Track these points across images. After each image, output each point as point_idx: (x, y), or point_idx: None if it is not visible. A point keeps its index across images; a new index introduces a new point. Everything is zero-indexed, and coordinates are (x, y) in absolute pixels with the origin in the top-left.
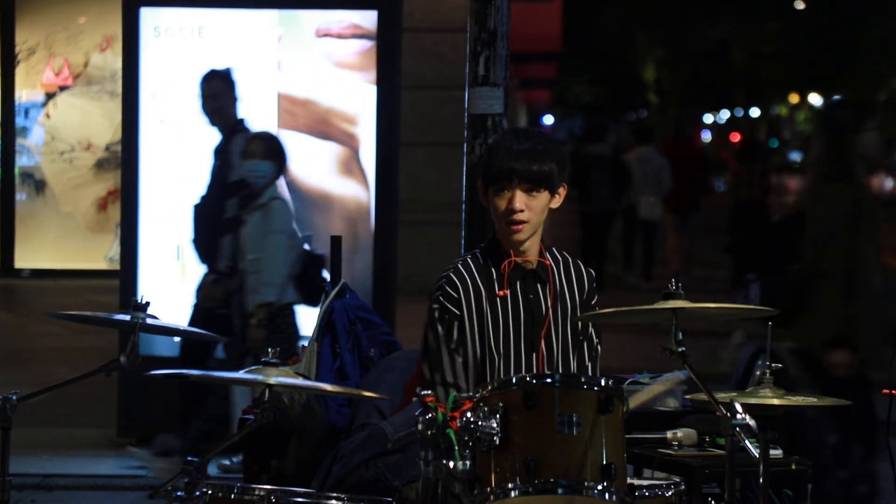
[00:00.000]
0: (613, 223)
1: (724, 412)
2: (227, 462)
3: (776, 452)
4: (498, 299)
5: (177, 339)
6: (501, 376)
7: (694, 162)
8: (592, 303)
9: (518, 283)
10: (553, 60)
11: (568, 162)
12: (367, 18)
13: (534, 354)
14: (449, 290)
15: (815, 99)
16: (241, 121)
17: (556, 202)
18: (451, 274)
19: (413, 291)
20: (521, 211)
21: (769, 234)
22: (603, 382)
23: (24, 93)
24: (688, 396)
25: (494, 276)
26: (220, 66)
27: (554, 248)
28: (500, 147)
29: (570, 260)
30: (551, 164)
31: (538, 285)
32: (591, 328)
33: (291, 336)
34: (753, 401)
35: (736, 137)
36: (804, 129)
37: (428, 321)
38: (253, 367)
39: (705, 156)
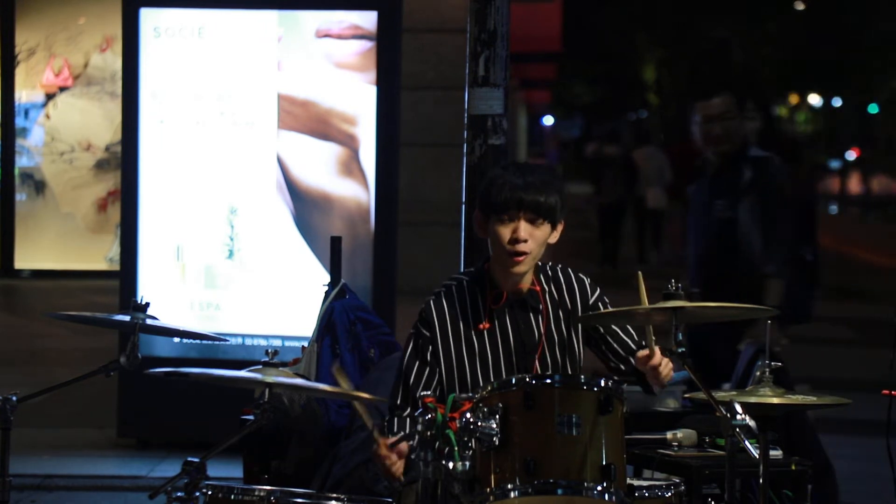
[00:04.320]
0: (626, 211)
1: (724, 412)
2: None
3: (776, 453)
4: (483, 331)
5: (177, 339)
6: None
7: (690, 161)
8: (599, 304)
9: (507, 311)
10: (553, 60)
11: (567, 196)
12: (367, 19)
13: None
14: (424, 316)
15: (814, 99)
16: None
17: (554, 237)
18: (432, 301)
19: (413, 292)
20: (525, 241)
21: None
22: (602, 383)
23: (24, 93)
24: (687, 396)
25: (480, 307)
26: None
27: (548, 266)
28: (504, 178)
29: (560, 276)
30: (555, 196)
31: (530, 313)
32: (601, 329)
33: None
34: (753, 400)
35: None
36: (804, 130)
37: (405, 342)
38: (253, 368)
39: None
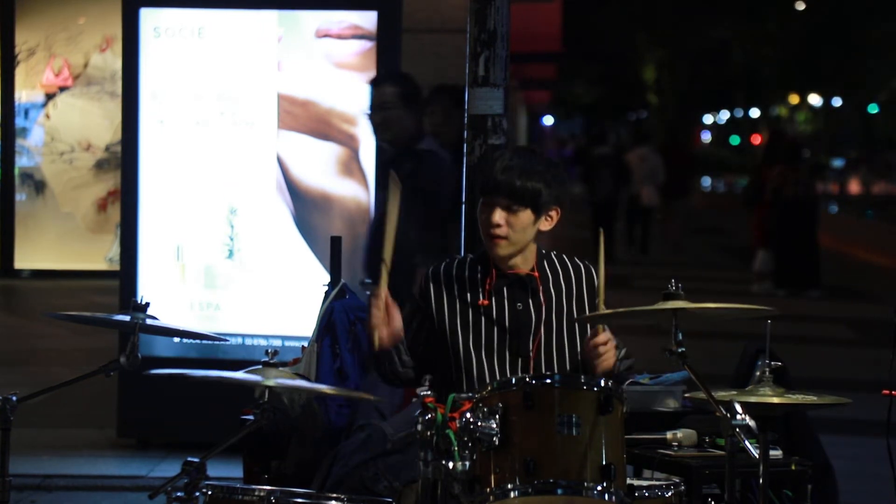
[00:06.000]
0: (616, 209)
1: (724, 412)
2: None
3: (776, 453)
4: (481, 307)
5: (176, 339)
6: (476, 380)
7: (684, 161)
8: (597, 301)
9: (505, 290)
10: (553, 60)
11: (564, 185)
12: (367, 19)
13: (519, 359)
14: (421, 283)
15: (814, 99)
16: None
17: (546, 225)
18: (430, 272)
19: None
20: (499, 226)
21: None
22: (602, 383)
23: (24, 93)
24: (687, 396)
25: (479, 283)
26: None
27: (553, 254)
28: (490, 160)
29: (569, 264)
30: (537, 183)
31: (529, 297)
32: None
33: None
34: (753, 400)
35: (757, 139)
36: (804, 130)
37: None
38: (253, 368)
39: (696, 156)
